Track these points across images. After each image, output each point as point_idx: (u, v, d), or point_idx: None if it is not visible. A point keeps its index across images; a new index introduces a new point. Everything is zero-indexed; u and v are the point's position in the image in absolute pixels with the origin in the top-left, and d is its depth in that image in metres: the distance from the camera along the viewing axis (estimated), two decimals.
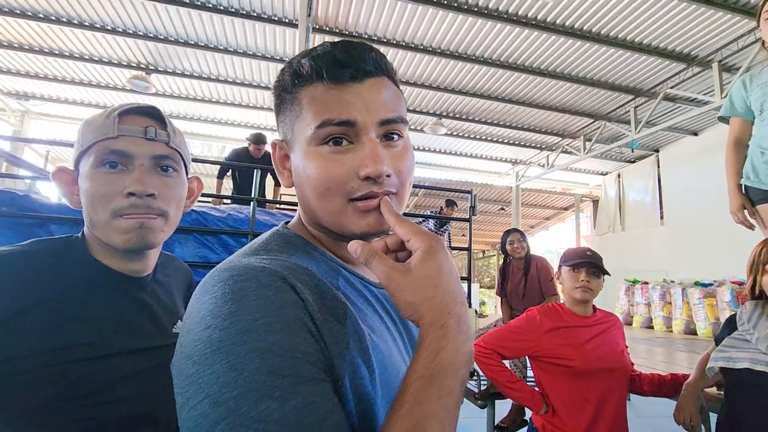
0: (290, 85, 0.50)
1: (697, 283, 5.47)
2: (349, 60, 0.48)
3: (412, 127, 7.97)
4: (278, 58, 5.87)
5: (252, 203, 2.76)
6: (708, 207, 6.35)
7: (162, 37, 5.46)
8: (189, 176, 0.80)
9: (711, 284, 5.22)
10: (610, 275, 1.63)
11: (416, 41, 5.49)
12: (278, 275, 0.41)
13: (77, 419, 0.61)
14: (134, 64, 6.10)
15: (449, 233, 5.74)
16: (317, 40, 5.40)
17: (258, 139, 4.29)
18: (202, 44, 5.61)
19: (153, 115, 0.71)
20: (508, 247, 3.40)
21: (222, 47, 5.69)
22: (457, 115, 7.50)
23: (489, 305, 8.70)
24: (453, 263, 0.45)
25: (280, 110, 0.53)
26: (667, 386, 1.55)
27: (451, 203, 5.53)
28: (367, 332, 0.47)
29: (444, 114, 7.43)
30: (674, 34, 5.08)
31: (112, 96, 7.08)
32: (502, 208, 11.37)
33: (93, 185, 0.66)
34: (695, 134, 7.69)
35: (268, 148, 4.46)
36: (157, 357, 0.69)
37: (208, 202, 4.18)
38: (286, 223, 0.57)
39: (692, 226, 6.98)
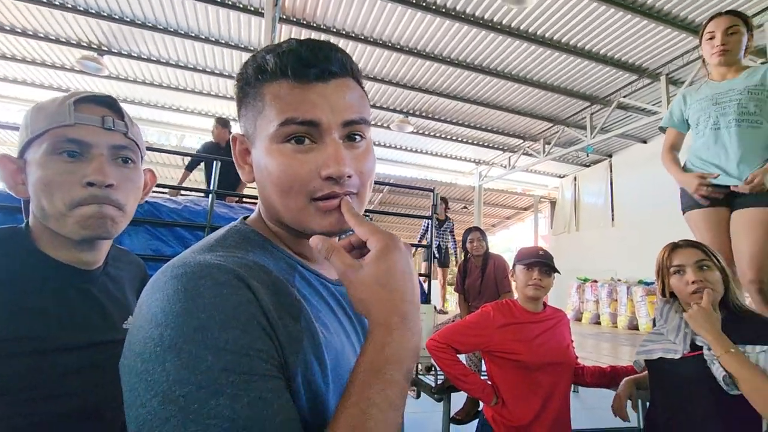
0: (253, 80, 0.50)
1: (640, 282, 5.85)
2: (314, 59, 0.48)
3: (379, 123, 7.98)
4: (242, 46, 5.70)
5: (210, 196, 2.68)
6: (654, 211, 6.79)
7: (117, 16, 5.15)
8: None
9: (653, 283, 5.61)
10: (560, 274, 1.72)
11: (384, 38, 5.49)
12: (234, 273, 0.41)
13: (19, 414, 0.59)
14: (85, 44, 5.72)
15: (451, 230, 5.81)
16: (284, 30, 5.29)
17: (220, 122, 4.18)
18: (161, 27, 5.34)
19: (110, 104, 0.70)
20: (468, 244, 3.51)
21: (182, 32, 5.44)
22: (424, 114, 7.58)
23: (450, 302, 8.89)
24: (408, 262, 0.46)
25: (242, 104, 0.52)
26: (607, 378, 1.66)
27: (444, 200, 5.73)
28: (321, 330, 0.48)
29: (410, 112, 7.49)
30: (628, 46, 5.37)
31: (59, 76, 6.61)
32: (465, 207, 11.63)
33: (47, 174, 0.64)
34: (644, 142, 8.19)
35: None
36: (104, 352, 0.68)
37: (165, 192, 4.00)
38: (245, 218, 0.57)
39: (639, 228, 7.44)
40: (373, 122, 8.60)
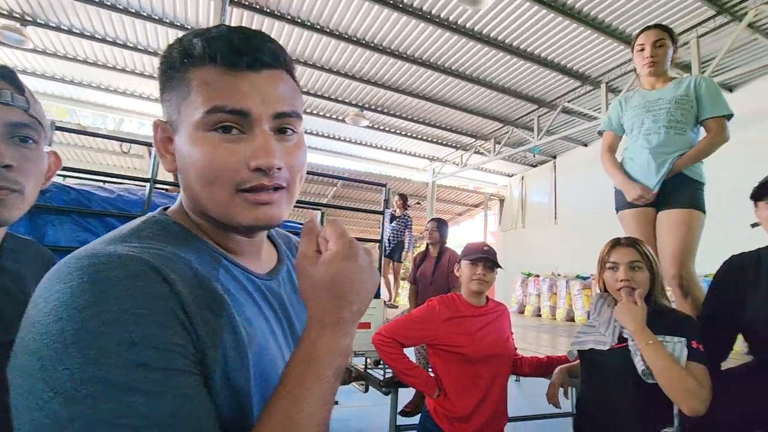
0: (179, 63, 0.48)
1: (578, 277, 6.25)
2: (246, 47, 0.47)
3: (334, 116, 7.87)
4: (188, 27, 5.36)
5: (148, 185, 2.50)
6: (593, 210, 7.25)
7: None
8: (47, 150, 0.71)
9: (588, 277, 6.01)
10: (503, 269, 1.78)
11: (341, 29, 5.40)
12: (149, 265, 0.39)
13: None
14: (5, 12, 5.12)
15: (407, 225, 5.85)
16: (234, 14, 5.05)
17: None
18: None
19: (7, 76, 0.61)
20: (425, 232, 3.60)
21: (121, 6, 5.02)
22: (379, 109, 7.57)
23: (402, 296, 9.03)
24: (362, 271, 0.46)
25: (166, 88, 0.50)
26: (543, 367, 1.75)
27: (402, 197, 5.78)
28: (243, 325, 0.47)
29: (366, 106, 7.45)
30: (573, 53, 5.67)
31: None
32: (419, 203, 11.80)
33: None
34: (585, 145, 8.70)
35: None
36: None
37: (99, 180, 3.69)
38: (166, 209, 0.54)
39: (579, 227, 7.93)
40: (327, 115, 8.38)
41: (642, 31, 2.02)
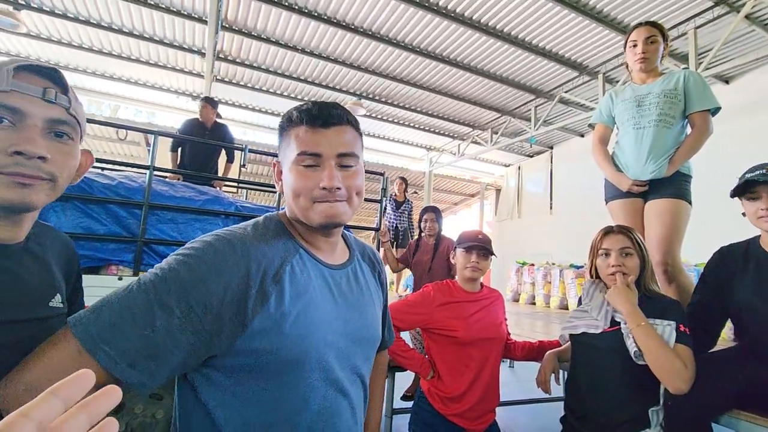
0: (286, 125, 0.79)
1: (571, 266, 6.33)
2: (320, 114, 0.76)
3: None
4: (186, 14, 5.31)
5: (148, 172, 2.53)
6: (587, 200, 7.32)
7: None
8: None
9: (582, 266, 6.10)
10: (497, 257, 1.83)
11: (339, 17, 5.36)
12: (232, 245, 0.71)
13: None
14: None
15: (409, 212, 5.67)
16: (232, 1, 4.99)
17: (209, 101, 4.22)
18: None
19: (54, 77, 0.66)
20: (422, 224, 3.60)
21: None
22: (377, 98, 7.55)
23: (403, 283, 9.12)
24: None
25: (280, 141, 0.81)
26: (535, 351, 1.81)
27: (404, 180, 5.68)
28: (295, 287, 0.73)
29: (363, 95, 7.43)
30: (571, 43, 5.66)
31: None
32: (416, 192, 11.83)
33: None
34: (582, 136, 8.73)
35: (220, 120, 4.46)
36: (21, 330, 0.63)
37: (97, 168, 3.70)
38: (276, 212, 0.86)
39: (573, 216, 8.00)
40: None
41: (634, 28, 2.06)
